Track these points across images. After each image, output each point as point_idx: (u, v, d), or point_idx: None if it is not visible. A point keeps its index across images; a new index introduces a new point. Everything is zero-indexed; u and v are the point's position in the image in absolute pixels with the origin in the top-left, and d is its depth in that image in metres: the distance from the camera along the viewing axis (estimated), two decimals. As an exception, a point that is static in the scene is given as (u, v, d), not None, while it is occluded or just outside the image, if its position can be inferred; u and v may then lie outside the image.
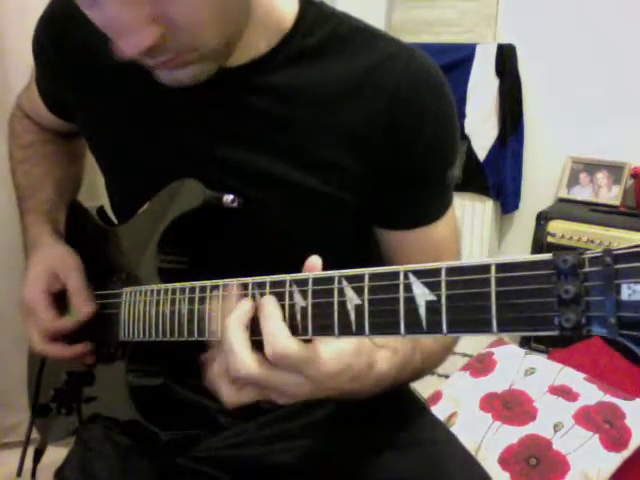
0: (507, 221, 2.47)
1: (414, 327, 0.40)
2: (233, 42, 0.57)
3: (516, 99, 2.26)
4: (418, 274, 0.40)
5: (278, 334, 0.46)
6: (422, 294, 0.39)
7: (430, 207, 0.68)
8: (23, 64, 1.34)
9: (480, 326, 0.36)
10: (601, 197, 2.20)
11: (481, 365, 1.52)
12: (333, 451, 0.70)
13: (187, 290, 0.56)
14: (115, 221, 0.81)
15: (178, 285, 0.58)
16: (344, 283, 0.43)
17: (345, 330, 0.44)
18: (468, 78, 2.23)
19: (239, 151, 0.64)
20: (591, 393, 1.36)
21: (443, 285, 0.38)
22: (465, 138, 2.26)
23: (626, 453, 1.21)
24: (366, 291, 0.42)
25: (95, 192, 1.21)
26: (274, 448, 0.72)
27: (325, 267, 0.47)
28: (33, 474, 0.83)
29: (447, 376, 1.55)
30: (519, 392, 1.39)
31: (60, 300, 0.74)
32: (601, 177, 2.21)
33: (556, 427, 1.26)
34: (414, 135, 0.63)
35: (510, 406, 1.35)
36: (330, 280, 0.44)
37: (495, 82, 2.23)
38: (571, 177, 2.27)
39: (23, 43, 1.33)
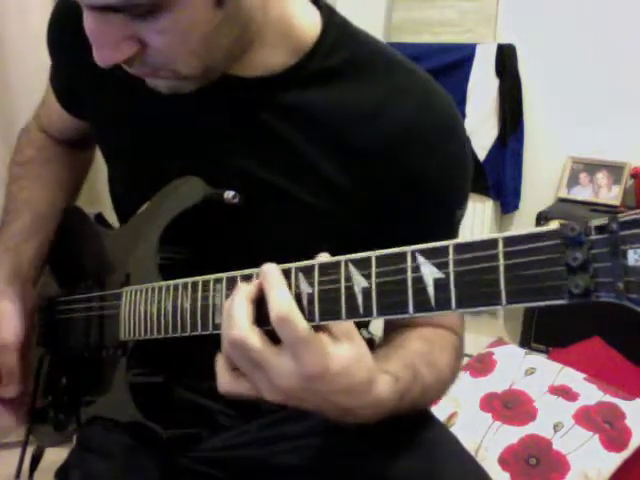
0: (507, 221, 2.47)
1: (423, 305, 0.40)
2: (218, 66, 0.58)
3: (516, 99, 2.26)
4: (426, 254, 0.40)
5: (283, 298, 0.45)
6: (430, 273, 0.39)
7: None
8: (23, 65, 1.34)
9: (489, 299, 0.37)
10: (601, 197, 2.20)
11: (481, 365, 1.52)
12: (333, 452, 0.70)
13: (190, 285, 0.56)
14: (115, 226, 0.81)
15: (180, 281, 0.58)
16: (350, 267, 0.44)
17: (352, 313, 0.44)
18: (468, 78, 2.23)
19: (244, 159, 0.64)
20: (591, 393, 1.36)
21: (451, 263, 0.38)
22: (465, 138, 2.26)
23: (626, 453, 1.21)
24: (373, 273, 0.42)
25: (95, 198, 1.21)
26: (275, 449, 0.72)
27: None
28: (30, 479, 0.83)
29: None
30: (519, 392, 1.39)
31: None
32: (601, 177, 2.21)
33: (556, 427, 1.26)
34: (421, 172, 0.63)
35: (510, 406, 1.35)
36: (336, 265, 0.45)
37: (495, 82, 2.23)
38: (571, 177, 2.27)
39: (24, 44, 1.33)
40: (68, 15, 0.71)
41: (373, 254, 0.43)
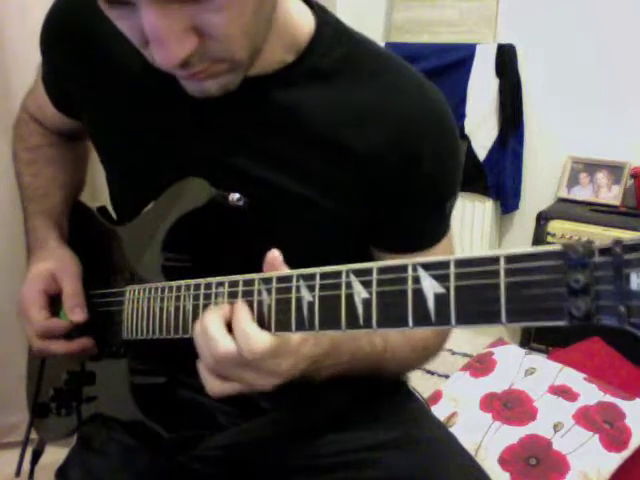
0: (507, 221, 2.47)
1: (422, 319, 0.40)
2: (257, 53, 0.58)
3: (516, 99, 2.26)
4: (426, 267, 0.40)
5: (250, 335, 0.50)
6: (431, 286, 0.39)
7: (427, 234, 0.70)
8: (24, 64, 1.34)
9: (489, 317, 0.37)
10: (601, 197, 2.20)
11: (481, 365, 1.52)
12: (333, 451, 0.71)
13: (192, 287, 0.56)
14: (116, 219, 0.81)
15: (183, 282, 0.58)
16: (352, 277, 0.43)
17: (353, 324, 0.44)
18: (468, 78, 2.23)
19: (243, 158, 0.65)
20: (591, 393, 1.36)
21: (452, 277, 0.38)
22: (465, 138, 2.26)
23: (626, 453, 1.21)
24: (374, 284, 0.42)
25: (95, 192, 1.21)
26: (274, 448, 0.72)
27: None
28: (31, 475, 0.83)
29: (447, 376, 1.55)
30: (519, 392, 1.39)
31: (57, 302, 0.74)
32: (601, 177, 2.21)
33: (556, 427, 1.26)
34: (414, 168, 0.64)
35: (510, 406, 1.35)
36: (338, 274, 0.45)
37: (495, 82, 2.23)
38: (571, 177, 2.27)
39: (24, 43, 1.34)
40: (65, 18, 0.71)
41: (375, 264, 0.43)
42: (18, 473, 0.81)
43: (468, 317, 0.38)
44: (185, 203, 0.64)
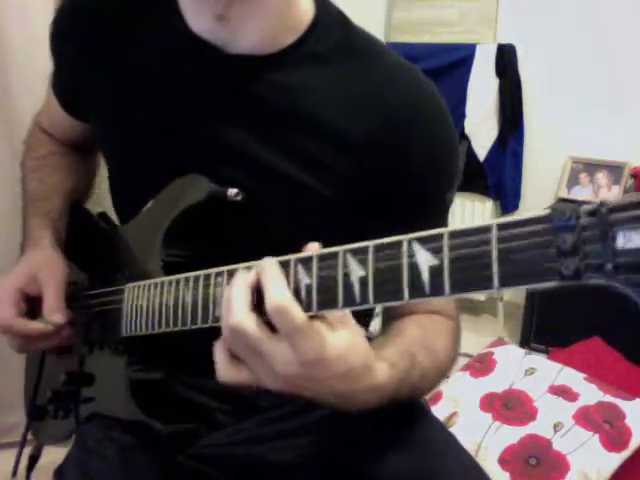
0: (507, 221, 2.47)
1: (417, 291, 0.40)
2: None
3: (516, 99, 2.26)
4: (422, 241, 0.41)
5: (278, 290, 0.45)
6: (425, 260, 0.40)
7: (426, 228, 0.68)
8: (24, 64, 1.35)
9: (482, 283, 0.37)
10: (601, 197, 2.20)
11: (481, 365, 1.52)
12: (332, 450, 0.70)
13: (191, 279, 0.56)
14: (117, 223, 0.81)
15: (181, 276, 0.58)
16: (348, 256, 0.44)
17: (349, 302, 0.44)
18: (468, 78, 2.24)
19: (240, 142, 0.65)
20: (591, 393, 1.36)
21: (445, 248, 0.39)
22: (465, 138, 2.26)
23: (626, 453, 1.21)
24: (370, 262, 0.43)
25: (97, 196, 1.21)
26: (273, 447, 0.72)
27: None
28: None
29: (447, 376, 1.56)
30: (519, 392, 1.39)
31: (36, 304, 0.74)
32: (601, 177, 2.21)
33: (556, 427, 1.26)
34: (409, 156, 0.64)
35: (510, 406, 1.35)
36: (334, 255, 0.45)
37: (495, 82, 2.23)
38: (571, 177, 2.27)
39: (24, 43, 1.33)
40: (76, 10, 0.72)
41: (371, 243, 0.43)
42: (14, 474, 0.81)
43: (461, 285, 0.39)
44: (184, 199, 0.65)
